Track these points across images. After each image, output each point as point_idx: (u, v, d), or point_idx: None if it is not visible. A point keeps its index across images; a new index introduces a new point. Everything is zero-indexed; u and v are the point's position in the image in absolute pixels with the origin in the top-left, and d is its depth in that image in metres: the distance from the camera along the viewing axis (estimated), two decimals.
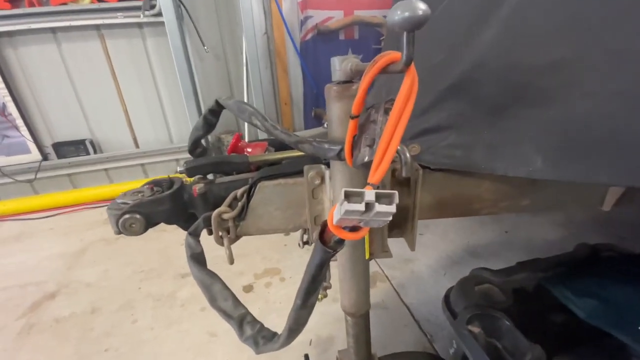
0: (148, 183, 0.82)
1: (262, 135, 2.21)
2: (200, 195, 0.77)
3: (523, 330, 0.73)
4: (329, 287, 0.94)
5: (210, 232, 0.70)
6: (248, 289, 1.66)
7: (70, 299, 1.68)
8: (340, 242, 0.37)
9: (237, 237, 0.74)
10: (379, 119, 0.41)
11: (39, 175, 2.60)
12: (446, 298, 0.88)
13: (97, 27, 2.37)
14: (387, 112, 0.41)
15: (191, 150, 0.84)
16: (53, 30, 2.29)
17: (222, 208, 0.69)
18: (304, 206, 0.69)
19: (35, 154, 2.59)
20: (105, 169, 2.80)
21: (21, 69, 2.35)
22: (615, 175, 0.48)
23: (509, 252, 1.86)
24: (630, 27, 0.44)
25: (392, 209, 0.29)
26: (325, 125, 0.70)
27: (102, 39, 2.42)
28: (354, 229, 0.34)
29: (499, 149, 0.60)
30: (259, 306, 1.55)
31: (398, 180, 0.66)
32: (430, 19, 0.32)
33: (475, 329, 0.77)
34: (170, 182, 0.81)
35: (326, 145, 0.49)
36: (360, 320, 0.68)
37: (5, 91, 2.32)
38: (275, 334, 0.59)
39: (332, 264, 0.56)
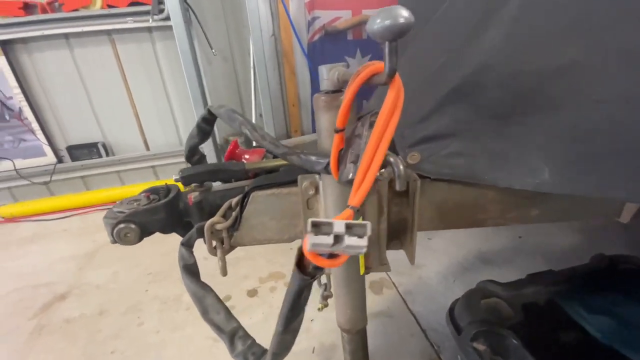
0: (145, 191, 0.81)
1: None
2: (195, 203, 0.75)
3: (532, 348, 0.69)
4: (330, 296, 0.91)
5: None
6: (252, 293, 1.65)
7: (80, 301, 1.71)
8: (319, 268, 0.35)
9: (232, 248, 0.72)
10: (364, 133, 0.38)
11: (54, 177, 2.67)
12: (450, 311, 0.84)
13: (109, 33, 2.41)
14: (372, 125, 0.38)
15: (188, 158, 0.83)
16: (66, 36, 2.34)
17: (216, 218, 0.67)
18: (300, 216, 0.67)
19: (51, 157, 2.65)
20: (117, 171, 2.85)
21: (36, 74, 2.41)
22: (634, 191, 0.44)
23: (522, 259, 1.79)
24: None
25: (363, 242, 0.27)
26: None
27: (113, 43, 2.46)
28: (332, 255, 0.32)
29: (503, 159, 0.56)
30: (262, 311, 1.53)
31: (396, 190, 0.63)
32: (415, 26, 0.29)
33: (481, 347, 0.73)
34: (167, 190, 0.80)
35: (313, 158, 0.46)
36: (357, 337, 0.66)
37: (21, 96, 2.39)
38: (265, 351, 0.57)
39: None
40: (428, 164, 0.63)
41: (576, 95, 0.48)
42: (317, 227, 0.27)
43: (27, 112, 2.46)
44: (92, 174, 2.78)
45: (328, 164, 0.44)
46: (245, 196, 0.66)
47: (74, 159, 2.69)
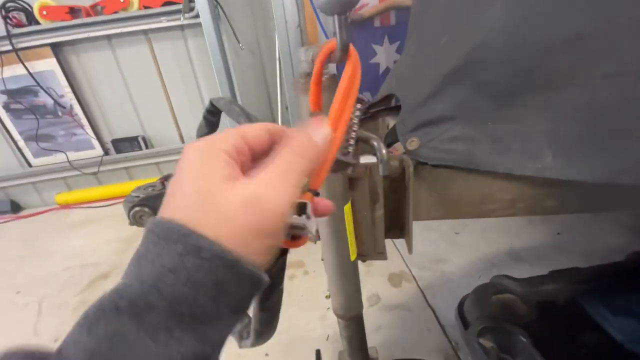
0: (161, 177, 0.86)
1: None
2: None
3: (545, 349, 0.64)
4: None
5: None
6: None
7: (120, 279, 1.87)
8: (283, 249, 0.35)
9: None
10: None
11: (101, 168, 2.91)
12: (460, 305, 0.81)
13: (145, 32, 2.56)
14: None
15: None
16: (108, 37, 2.53)
17: None
18: None
19: (98, 150, 2.90)
20: (156, 163, 3.04)
21: (83, 73, 2.64)
22: None
23: (559, 258, 1.66)
24: None
25: (306, 222, 0.27)
26: None
27: (149, 42, 2.61)
28: (295, 237, 0.32)
29: (503, 142, 0.52)
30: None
31: (392, 177, 0.61)
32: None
33: (488, 343, 0.69)
34: None
35: None
36: (352, 323, 0.65)
37: (72, 94, 2.63)
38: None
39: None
40: (427, 149, 0.61)
41: (583, 71, 0.43)
42: None
43: (77, 109, 2.70)
44: (134, 165, 2.99)
45: None
46: None
47: (117, 151, 2.91)
